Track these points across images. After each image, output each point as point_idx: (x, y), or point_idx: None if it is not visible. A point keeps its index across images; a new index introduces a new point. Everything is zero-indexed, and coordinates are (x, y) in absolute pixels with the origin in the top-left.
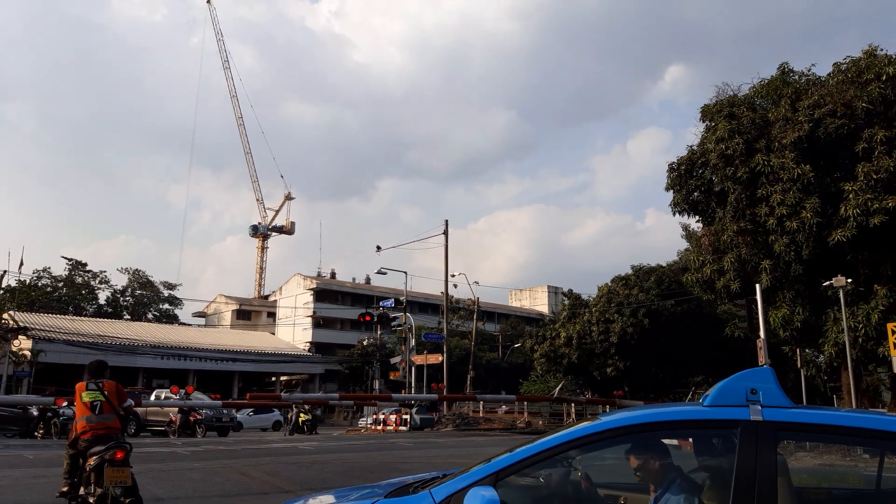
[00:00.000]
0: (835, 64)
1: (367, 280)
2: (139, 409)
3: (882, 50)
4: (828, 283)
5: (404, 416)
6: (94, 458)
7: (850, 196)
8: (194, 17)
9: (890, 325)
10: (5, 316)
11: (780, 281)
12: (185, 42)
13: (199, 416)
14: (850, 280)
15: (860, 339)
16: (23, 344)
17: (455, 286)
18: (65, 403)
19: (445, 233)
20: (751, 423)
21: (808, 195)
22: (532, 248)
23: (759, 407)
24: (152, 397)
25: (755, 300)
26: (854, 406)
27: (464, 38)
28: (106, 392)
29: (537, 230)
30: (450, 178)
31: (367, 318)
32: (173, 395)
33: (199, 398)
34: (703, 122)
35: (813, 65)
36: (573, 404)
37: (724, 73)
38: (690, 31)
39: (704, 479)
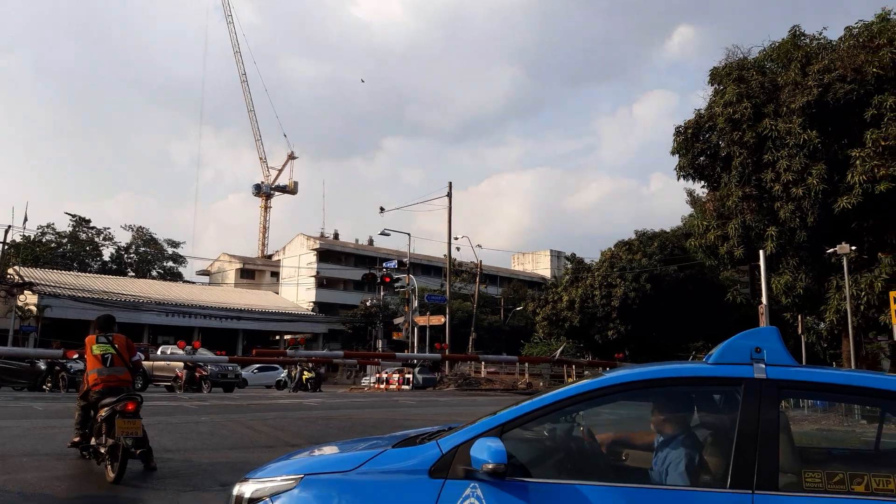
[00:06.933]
0: (846, 28)
1: (370, 241)
2: (145, 364)
3: (895, 14)
4: (832, 250)
5: (407, 376)
6: (106, 409)
7: (857, 163)
8: None
9: (892, 294)
10: (10, 271)
11: (784, 248)
12: None
13: (204, 373)
14: (854, 248)
15: (862, 307)
16: (28, 299)
17: (458, 249)
18: (75, 356)
19: (449, 195)
20: (754, 380)
21: (814, 161)
22: (535, 212)
23: (763, 365)
24: (158, 353)
25: (758, 266)
26: None
27: None
28: (116, 345)
29: (541, 193)
30: (453, 138)
31: (371, 279)
32: (180, 351)
33: (204, 354)
34: (712, 85)
35: (825, 28)
36: (574, 366)
37: (734, 35)
38: None
39: (706, 435)
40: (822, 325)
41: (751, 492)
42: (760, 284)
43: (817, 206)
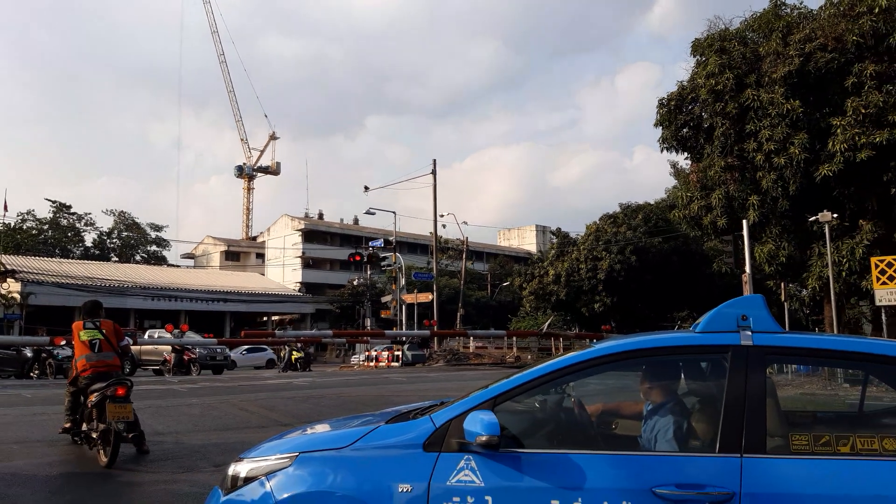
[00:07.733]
0: None
1: (356, 220)
2: (133, 349)
3: None
4: (813, 218)
5: (396, 353)
6: (96, 394)
7: (839, 131)
8: None
9: (874, 259)
10: None
11: (767, 217)
12: None
13: (193, 355)
14: (835, 215)
15: (844, 274)
16: (11, 287)
17: (444, 226)
18: (63, 342)
19: (434, 172)
20: (741, 347)
21: (796, 130)
22: (520, 187)
23: (750, 332)
24: (146, 337)
25: (742, 235)
26: None
27: None
28: (104, 331)
29: (525, 168)
30: (437, 114)
31: (357, 259)
32: (167, 334)
33: (192, 337)
34: (694, 56)
35: None
36: (561, 339)
37: (715, 5)
38: None
39: (695, 402)
40: (804, 291)
41: (739, 455)
42: (744, 253)
43: (799, 174)
